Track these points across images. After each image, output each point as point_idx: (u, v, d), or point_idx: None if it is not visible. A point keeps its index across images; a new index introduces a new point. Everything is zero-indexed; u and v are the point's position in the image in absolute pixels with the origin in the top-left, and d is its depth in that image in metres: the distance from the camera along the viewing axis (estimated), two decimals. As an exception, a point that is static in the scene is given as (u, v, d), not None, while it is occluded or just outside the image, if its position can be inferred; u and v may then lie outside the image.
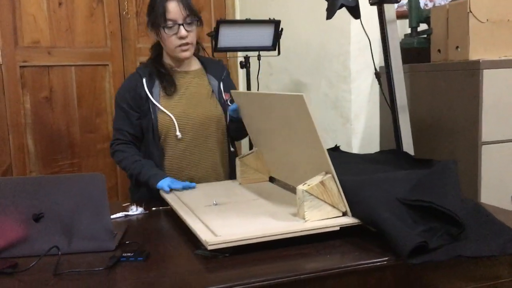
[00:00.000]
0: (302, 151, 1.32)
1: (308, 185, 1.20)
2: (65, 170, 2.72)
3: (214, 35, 2.20)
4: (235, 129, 1.88)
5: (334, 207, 1.23)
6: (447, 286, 1.14)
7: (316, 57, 2.62)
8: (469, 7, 1.99)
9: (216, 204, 1.43)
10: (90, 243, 1.20)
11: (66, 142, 2.71)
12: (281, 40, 2.33)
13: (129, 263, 1.13)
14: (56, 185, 1.16)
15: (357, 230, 1.22)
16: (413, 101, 2.27)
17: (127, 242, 1.27)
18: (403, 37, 2.48)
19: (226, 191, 1.60)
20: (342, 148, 1.96)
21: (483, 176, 1.97)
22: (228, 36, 2.22)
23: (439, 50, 2.21)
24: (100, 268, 1.09)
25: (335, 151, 1.89)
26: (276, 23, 2.26)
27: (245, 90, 2.58)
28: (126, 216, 1.53)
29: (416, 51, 2.38)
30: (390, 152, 1.83)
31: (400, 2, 2.20)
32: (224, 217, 1.30)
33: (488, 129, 1.95)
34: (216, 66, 1.97)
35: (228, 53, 2.78)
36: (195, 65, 1.94)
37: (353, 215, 1.22)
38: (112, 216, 1.50)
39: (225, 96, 1.92)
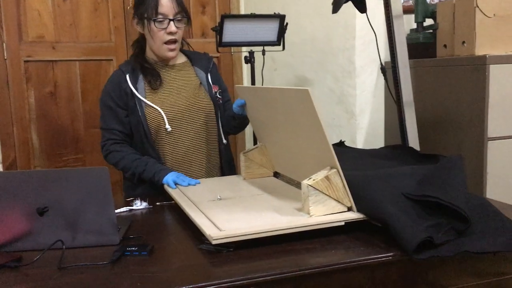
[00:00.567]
0: (307, 146, 1.31)
1: (313, 179, 1.20)
2: (70, 165, 2.73)
3: (219, 30, 2.19)
4: (237, 125, 1.87)
5: (339, 202, 1.22)
6: (453, 282, 1.13)
7: (321, 52, 2.60)
8: (476, 2, 1.97)
9: (220, 199, 1.42)
10: (94, 237, 1.19)
11: (71, 136, 2.71)
12: (285, 35, 2.31)
13: (133, 257, 1.12)
14: (60, 179, 1.16)
15: (362, 225, 1.21)
16: (419, 96, 2.25)
17: (131, 236, 1.27)
18: (409, 32, 2.47)
19: (231, 186, 1.60)
20: (347, 143, 1.96)
21: (489, 172, 1.96)
22: (232, 31, 2.22)
23: (445, 45, 2.19)
24: (104, 262, 1.08)
25: (339, 147, 1.88)
26: (280, 18, 2.25)
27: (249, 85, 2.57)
28: (130, 210, 1.53)
29: (422, 46, 2.37)
30: (396, 147, 1.82)
31: (406, -3, 2.19)
32: (228, 211, 1.29)
33: (494, 125, 1.94)
34: (202, 58, 1.95)
35: (232, 48, 2.77)
36: (180, 58, 1.92)
37: (358, 210, 1.22)
38: (116, 211, 1.50)
39: (214, 88, 1.91)
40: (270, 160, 1.68)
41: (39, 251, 1.13)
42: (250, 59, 2.37)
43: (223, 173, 1.94)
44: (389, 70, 1.88)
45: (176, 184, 1.63)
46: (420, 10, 2.36)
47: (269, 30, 2.28)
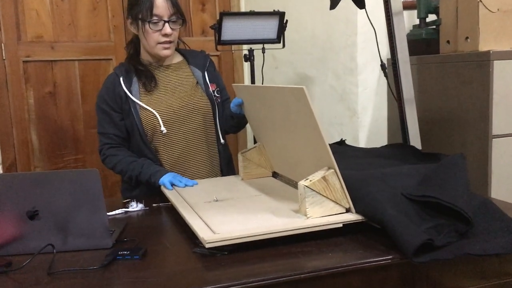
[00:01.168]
0: (304, 146, 1.28)
1: (310, 180, 1.17)
2: (70, 166, 2.71)
3: (218, 28, 2.16)
4: (235, 124, 1.84)
5: (337, 203, 1.19)
6: (454, 284, 1.10)
7: (322, 49, 2.57)
8: (479, -4, 1.93)
9: (216, 200, 1.39)
10: (86, 241, 1.17)
11: (71, 137, 2.69)
12: (286, 33, 2.28)
13: (125, 261, 1.10)
14: (50, 181, 1.14)
15: (361, 227, 1.18)
16: (422, 93, 2.22)
17: (125, 239, 1.24)
18: (411, 28, 2.43)
19: (228, 187, 1.57)
20: (349, 141, 1.93)
21: (494, 170, 1.92)
22: (231, 29, 2.18)
23: (448, 41, 2.15)
24: (95, 267, 1.06)
25: (340, 145, 1.85)
26: (280, 15, 2.22)
27: (249, 84, 2.54)
28: (126, 212, 1.50)
29: (424, 43, 2.33)
30: (397, 146, 1.78)
31: (408, -8, 2.15)
32: (224, 213, 1.26)
33: (499, 122, 1.90)
34: (199, 56, 1.92)
35: (233, 46, 2.74)
36: (176, 58, 1.89)
37: (357, 212, 1.18)
38: (111, 213, 1.48)
39: (211, 86, 1.87)
40: (268, 160, 1.65)
41: (29, 256, 1.11)
42: (249, 57, 2.34)
43: (222, 174, 1.91)
44: (390, 67, 1.85)
45: (172, 185, 1.60)
46: (423, 6, 2.32)
47: (268, 28, 2.25)
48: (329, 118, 2.56)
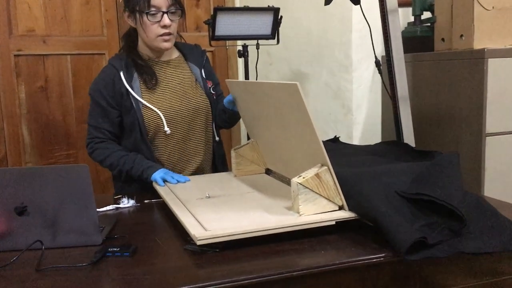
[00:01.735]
0: (297, 142, 1.27)
1: (303, 177, 1.15)
2: (62, 161, 2.69)
3: (211, 23, 2.14)
4: (228, 119, 1.82)
5: (330, 200, 1.18)
6: (447, 283, 1.10)
7: (317, 46, 2.56)
8: (474, -6, 1.93)
9: (208, 197, 1.38)
10: (75, 237, 1.15)
11: (62, 132, 2.67)
12: (280, 29, 2.27)
13: (115, 258, 1.08)
14: (39, 177, 1.12)
15: (354, 225, 1.17)
16: (416, 91, 2.21)
17: (115, 236, 1.23)
18: (406, 25, 2.42)
19: (220, 184, 1.55)
20: (344, 139, 1.92)
21: (487, 169, 1.92)
22: (225, 24, 2.17)
23: (443, 39, 2.15)
24: (84, 264, 1.04)
25: (334, 142, 1.84)
26: (275, 11, 2.20)
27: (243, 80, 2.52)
28: (117, 208, 1.49)
29: (419, 40, 2.32)
30: (391, 144, 1.77)
31: (403, -11, 2.14)
32: (216, 210, 1.25)
33: (493, 120, 1.90)
34: (195, 52, 1.88)
35: (227, 41, 2.72)
36: (174, 53, 1.85)
37: (350, 209, 1.17)
38: (102, 209, 1.46)
39: (208, 83, 1.85)
40: (261, 157, 1.64)
41: (17, 252, 1.09)
42: (243, 53, 2.33)
43: (216, 170, 1.89)
44: (384, 65, 1.84)
45: (165, 181, 1.59)
46: (418, 3, 2.32)
47: (263, 24, 2.23)
48: (323, 115, 2.55)
